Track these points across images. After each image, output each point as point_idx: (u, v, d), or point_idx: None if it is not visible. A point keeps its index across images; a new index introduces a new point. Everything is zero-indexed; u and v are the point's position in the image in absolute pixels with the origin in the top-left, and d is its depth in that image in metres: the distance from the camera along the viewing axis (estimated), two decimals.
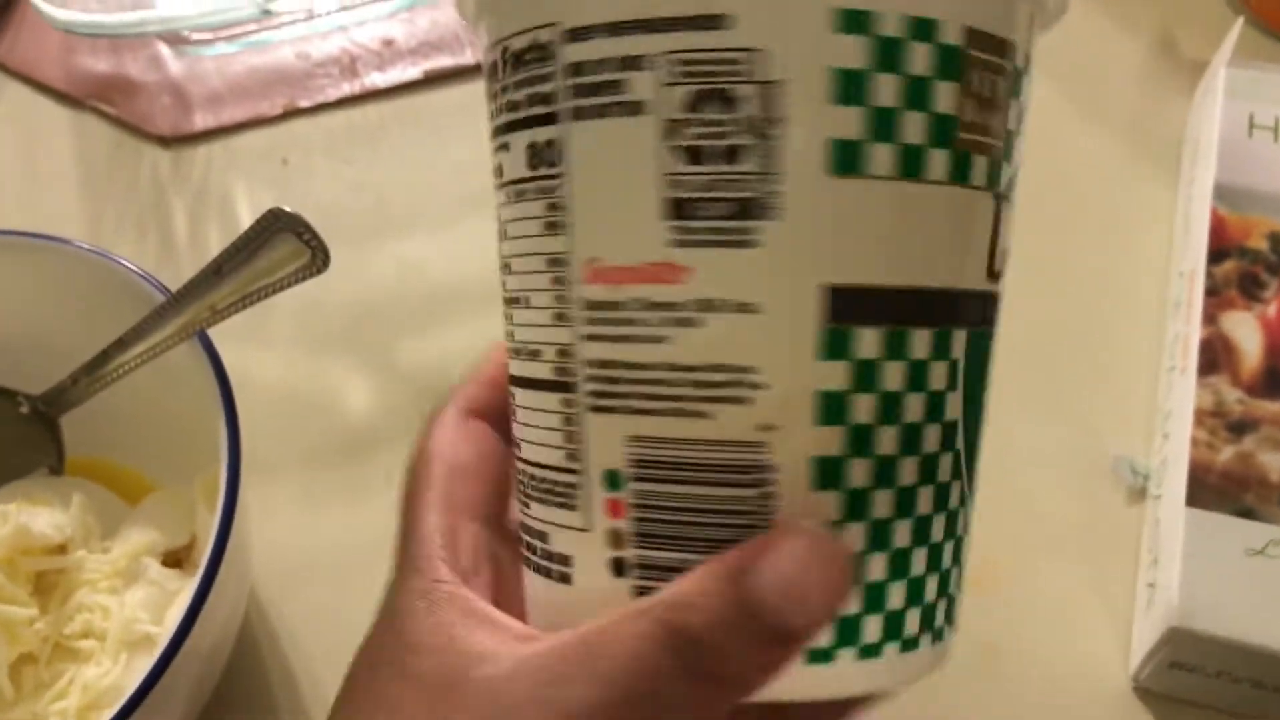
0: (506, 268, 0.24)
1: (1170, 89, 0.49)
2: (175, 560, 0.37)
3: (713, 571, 0.21)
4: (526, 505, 0.24)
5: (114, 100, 0.53)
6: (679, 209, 0.21)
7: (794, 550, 0.21)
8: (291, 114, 0.52)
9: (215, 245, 0.48)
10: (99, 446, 0.40)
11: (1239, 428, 0.36)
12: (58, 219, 0.50)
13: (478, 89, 0.52)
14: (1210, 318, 0.38)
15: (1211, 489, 0.35)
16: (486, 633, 0.23)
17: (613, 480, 0.22)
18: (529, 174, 0.22)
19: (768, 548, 0.21)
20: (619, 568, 0.22)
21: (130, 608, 0.34)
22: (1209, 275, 0.39)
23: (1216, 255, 0.39)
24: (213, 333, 0.34)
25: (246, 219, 0.49)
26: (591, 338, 0.22)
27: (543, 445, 0.23)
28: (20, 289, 0.39)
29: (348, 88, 0.52)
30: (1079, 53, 0.51)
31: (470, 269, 0.47)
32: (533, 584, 0.24)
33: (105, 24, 0.48)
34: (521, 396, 0.24)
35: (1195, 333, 0.38)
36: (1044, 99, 0.49)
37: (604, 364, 0.22)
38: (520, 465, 0.25)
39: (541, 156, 0.22)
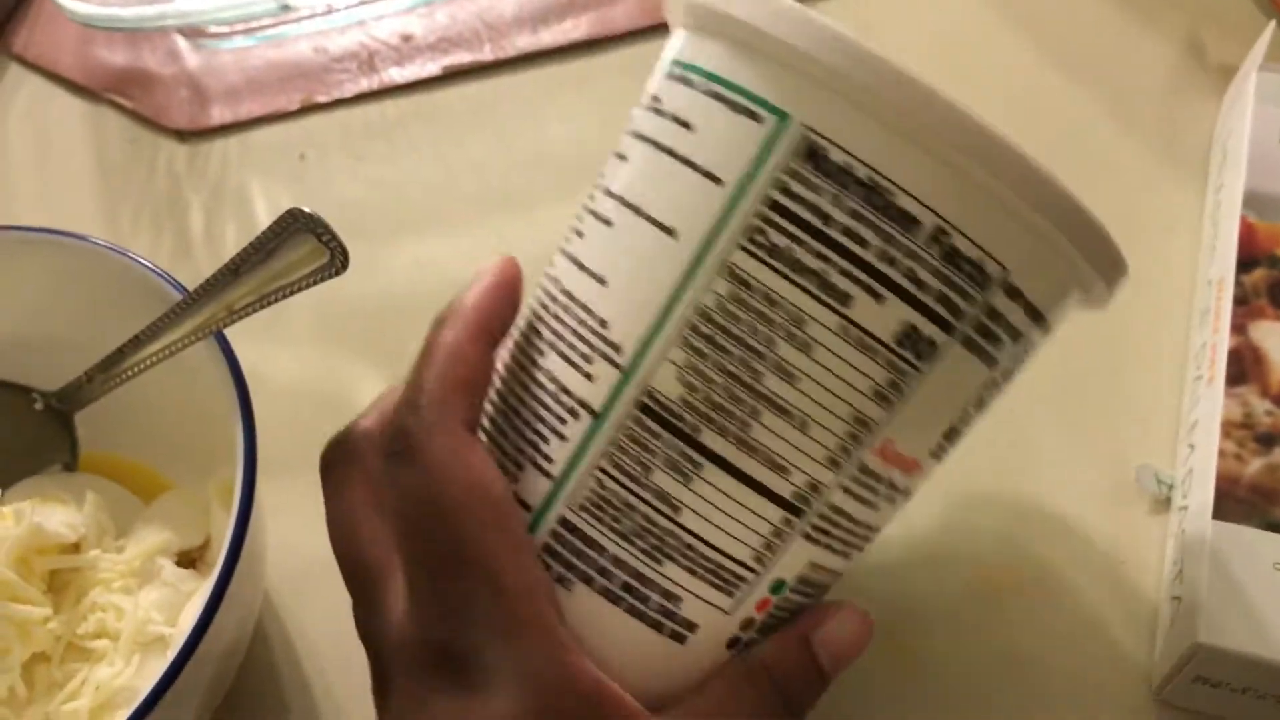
0: (772, 364, 0.25)
1: (1199, 94, 0.48)
2: (189, 560, 0.37)
3: (795, 644, 0.27)
4: (657, 562, 0.26)
5: (131, 93, 0.53)
6: (950, 434, 0.27)
7: (848, 621, 0.28)
8: (309, 109, 0.52)
9: (231, 241, 0.48)
10: (114, 443, 0.40)
11: (1268, 440, 0.35)
12: (73, 212, 0.49)
13: (496, 85, 0.52)
14: (1239, 327, 0.37)
15: (1239, 502, 0.34)
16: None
17: (778, 587, 0.27)
18: (889, 342, 0.24)
19: (827, 620, 0.28)
20: (734, 643, 0.27)
21: (144, 608, 0.34)
22: (1238, 284, 0.38)
23: (1246, 264, 0.39)
24: (228, 329, 0.34)
25: (263, 215, 0.49)
26: (846, 490, 0.26)
27: (729, 535, 0.25)
28: (36, 285, 0.38)
29: (366, 83, 0.52)
30: (1105, 56, 0.50)
31: None
32: (617, 622, 0.26)
33: (123, 18, 0.48)
34: (718, 478, 0.25)
35: (1223, 342, 0.37)
36: (1070, 103, 0.49)
37: (838, 511, 0.26)
38: (668, 524, 0.25)
39: (914, 344, 0.25)
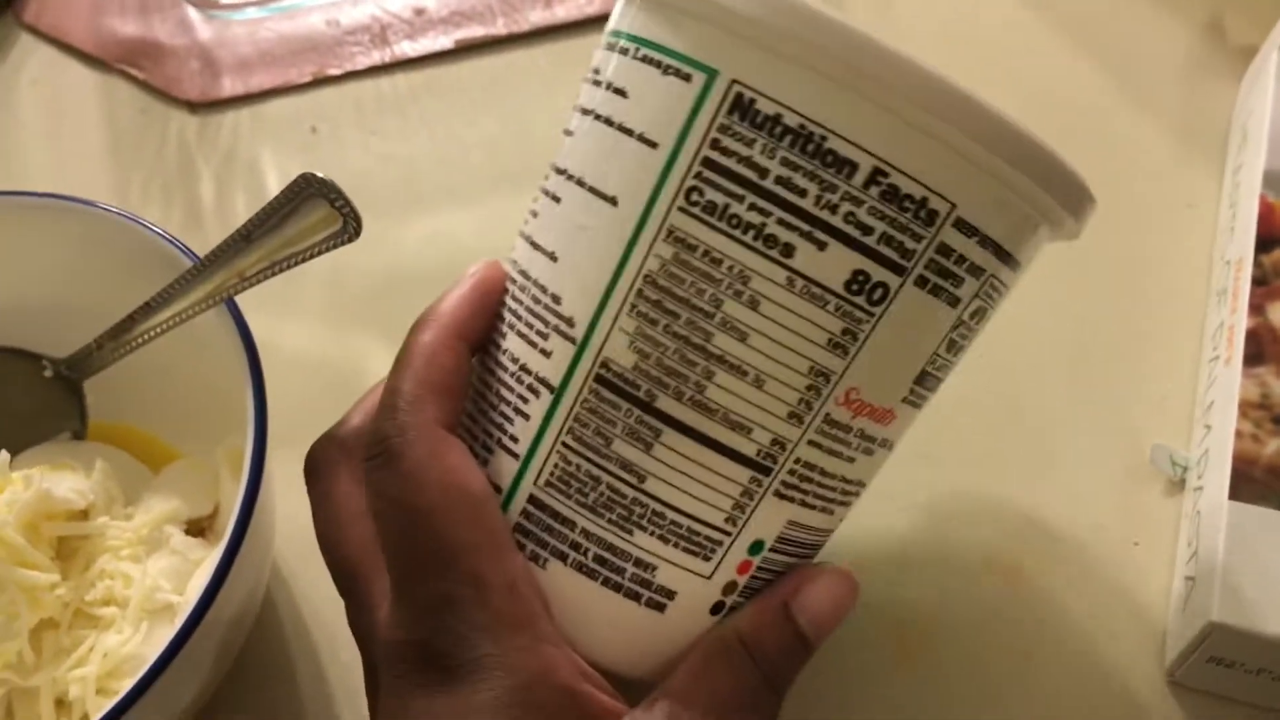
0: (714, 319, 0.24)
1: (1218, 74, 0.48)
2: (198, 529, 0.37)
3: (774, 612, 0.26)
4: (627, 532, 0.25)
5: (142, 64, 0.52)
6: (923, 379, 0.26)
7: (830, 584, 0.27)
8: (320, 82, 0.51)
9: (242, 212, 0.48)
10: (123, 412, 0.40)
11: None
12: (84, 183, 0.49)
13: (509, 60, 0.52)
14: (1257, 308, 0.37)
15: (1255, 483, 0.34)
16: None
17: (756, 547, 0.26)
18: (838, 289, 0.24)
19: (807, 583, 0.27)
20: (719, 609, 0.27)
21: (152, 576, 0.34)
22: (1257, 264, 0.38)
23: (1265, 244, 0.38)
24: (238, 301, 0.34)
25: (274, 186, 0.48)
26: (813, 444, 0.25)
27: (697, 499, 0.25)
28: (48, 252, 0.38)
29: (378, 56, 0.52)
30: (1125, 37, 0.50)
31: (499, 242, 0.45)
32: (595, 596, 0.26)
33: None
34: (679, 443, 0.25)
35: (1241, 322, 0.37)
36: (1089, 83, 0.49)
37: (808, 465, 0.25)
38: (634, 494, 0.25)
39: (864, 287, 0.24)
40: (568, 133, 0.27)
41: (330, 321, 0.45)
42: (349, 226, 0.31)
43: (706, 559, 0.26)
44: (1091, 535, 0.38)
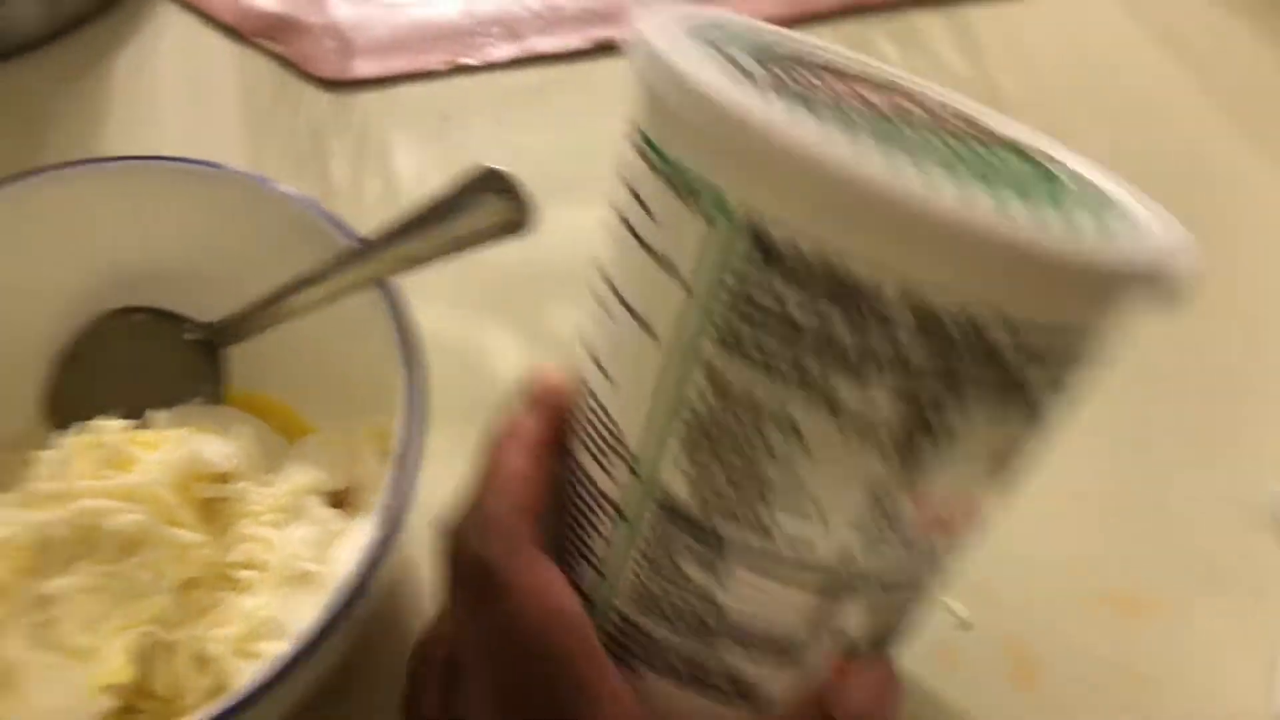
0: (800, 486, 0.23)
1: None
2: (334, 503, 0.37)
3: (811, 714, 0.26)
4: (709, 645, 0.26)
5: (279, 39, 0.53)
6: (1001, 470, 0.24)
7: (866, 682, 0.26)
8: (453, 70, 0.52)
9: (372, 192, 0.49)
10: (257, 381, 0.40)
11: None
12: (218, 152, 0.49)
13: None
14: None
15: None
16: None
17: (845, 644, 0.26)
18: (888, 417, 0.22)
19: (841, 683, 0.26)
20: None
21: (292, 543, 0.34)
22: None
23: None
24: None
25: (404, 169, 0.49)
26: (885, 544, 0.24)
27: (773, 616, 0.25)
28: (189, 217, 0.39)
29: (510, 49, 0.53)
30: (1245, 73, 0.50)
31: None
32: (694, 705, 0.26)
33: None
34: (757, 582, 0.24)
35: None
36: (1208, 118, 0.49)
37: (884, 570, 0.25)
38: (710, 611, 0.25)
39: (917, 413, 0.22)
40: (608, 227, 0.26)
41: (458, 308, 0.46)
42: (525, 221, 0.32)
43: (797, 664, 0.26)
44: (1203, 577, 0.38)
